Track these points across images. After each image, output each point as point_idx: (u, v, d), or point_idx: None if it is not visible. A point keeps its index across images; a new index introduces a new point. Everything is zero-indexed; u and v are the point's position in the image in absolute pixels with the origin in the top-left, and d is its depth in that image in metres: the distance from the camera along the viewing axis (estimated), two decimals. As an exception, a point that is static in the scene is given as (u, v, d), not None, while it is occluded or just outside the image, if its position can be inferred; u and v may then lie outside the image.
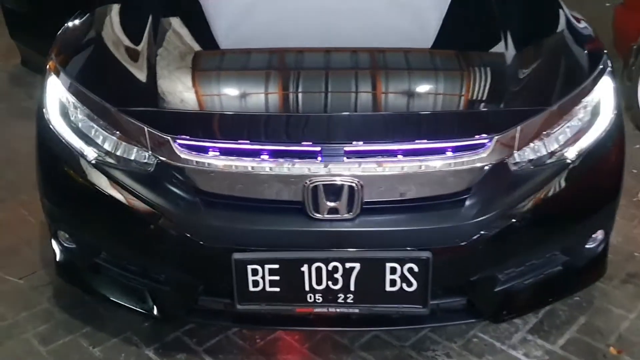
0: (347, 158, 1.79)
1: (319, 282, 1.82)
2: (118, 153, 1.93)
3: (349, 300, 1.84)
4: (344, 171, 1.77)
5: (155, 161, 1.87)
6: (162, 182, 1.88)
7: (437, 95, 1.98)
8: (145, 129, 1.85)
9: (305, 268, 1.80)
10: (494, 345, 2.20)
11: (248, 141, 1.81)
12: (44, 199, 2.09)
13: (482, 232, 1.82)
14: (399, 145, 1.80)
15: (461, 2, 2.39)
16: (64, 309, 2.35)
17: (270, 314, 1.92)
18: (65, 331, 2.26)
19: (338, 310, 1.86)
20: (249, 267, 1.80)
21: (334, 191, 1.78)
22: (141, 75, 2.00)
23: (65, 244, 2.10)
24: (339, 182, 1.77)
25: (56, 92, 2.06)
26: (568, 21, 2.30)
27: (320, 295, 1.83)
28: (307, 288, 1.83)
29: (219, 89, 2.06)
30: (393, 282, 1.82)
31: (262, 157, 1.80)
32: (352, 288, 1.82)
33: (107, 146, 1.94)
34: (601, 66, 2.10)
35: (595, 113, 2.02)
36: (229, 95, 2.03)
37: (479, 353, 2.17)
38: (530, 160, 1.91)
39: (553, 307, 2.32)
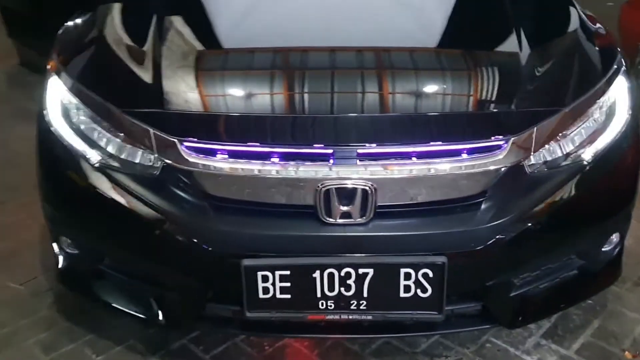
0: (360, 161, 1.74)
1: (331, 289, 1.77)
2: (122, 156, 1.88)
3: (361, 307, 1.79)
4: (357, 174, 1.72)
5: (161, 164, 1.82)
6: (169, 186, 1.82)
7: (451, 96, 1.93)
8: (151, 131, 1.80)
9: (317, 274, 1.75)
10: (508, 351, 2.16)
11: (258, 143, 1.75)
12: (45, 204, 2.03)
13: (498, 236, 1.77)
14: (413, 147, 1.75)
15: (473, 1, 2.33)
16: (65, 316, 2.29)
17: (280, 321, 1.86)
18: (68, 339, 2.20)
19: (350, 317, 1.81)
20: (259, 274, 1.75)
21: (346, 195, 1.73)
22: (146, 76, 1.95)
23: (67, 250, 2.04)
24: (352, 186, 1.72)
25: (57, 93, 2.00)
26: (581, 20, 2.25)
27: (332, 302, 1.78)
28: (318, 295, 1.77)
29: (227, 89, 1.99)
30: (407, 288, 1.77)
31: (272, 159, 1.74)
32: (365, 294, 1.77)
33: (110, 149, 1.89)
34: (616, 66, 2.06)
35: (610, 113, 1.98)
36: (238, 96, 1.97)
37: (492, 359, 2.12)
38: (546, 162, 1.86)
39: (566, 311, 2.27)
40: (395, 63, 2.06)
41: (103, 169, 1.88)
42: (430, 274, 1.75)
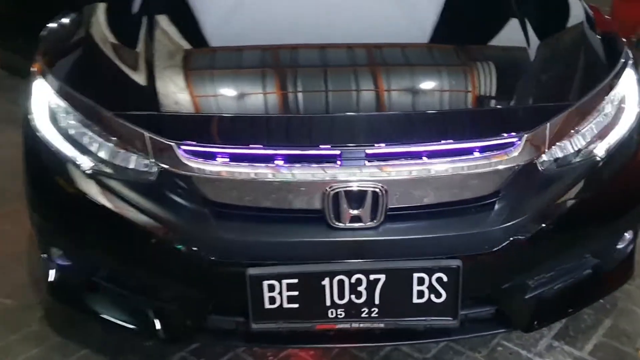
0: (369, 161, 1.65)
1: (341, 297, 1.68)
2: (115, 161, 1.77)
3: (373, 315, 1.71)
4: (366, 176, 1.64)
5: (158, 170, 1.72)
6: (166, 192, 1.73)
7: (462, 93, 1.84)
8: (147, 135, 1.70)
9: (326, 282, 1.66)
10: (520, 354, 2.09)
11: (261, 145, 1.66)
12: (34, 213, 1.92)
13: (514, 237, 1.70)
14: (424, 146, 1.67)
15: None
16: (57, 330, 2.18)
17: (287, 331, 1.77)
18: (60, 355, 2.09)
19: (361, 325, 1.72)
20: (265, 283, 1.66)
21: (356, 198, 1.64)
22: (140, 78, 1.84)
23: (58, 261, 1.93)
24: (362, 188, 1.63)
25: (44, 96, 1.89)
26: (587, 13, 2.19)
27: (342, 310, 1.70)
28: (328, 303, 1.69)
29: (227, 89, 1.88)
30: (421, 294, 1.69)
31: (276, 162, 1.65)
32: (376, 301, 1.69)
33: (103, 154, 1.78)
34: (623, 59, 2.01)
35: (620, 107, 1.92)
36: (238, 96, 1.86)
37: (505, 363, 2.06)
38: (559, 159, 1.80)
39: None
40: (403, 59, 1.97)
41: (95, 175, 1.77)
42: (445, 279, 1.67)
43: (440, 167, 1.66)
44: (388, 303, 1.69)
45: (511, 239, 1.69)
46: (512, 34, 2.03)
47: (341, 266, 1.66)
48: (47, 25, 2.22)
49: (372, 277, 1.66)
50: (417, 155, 1.66)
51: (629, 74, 1.99)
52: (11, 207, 2.71)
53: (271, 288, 1.66)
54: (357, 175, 1.64)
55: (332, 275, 1.66)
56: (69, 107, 1.83)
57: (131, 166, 1.76)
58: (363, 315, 1.71)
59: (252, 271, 1.65)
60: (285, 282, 1.66)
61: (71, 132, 1.83)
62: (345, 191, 1.63)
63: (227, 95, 1.87)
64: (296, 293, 1.67)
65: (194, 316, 1.80)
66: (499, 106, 1.84)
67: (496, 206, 1.72)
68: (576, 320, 2.20)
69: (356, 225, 1.66)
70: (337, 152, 1.64)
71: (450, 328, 1.76)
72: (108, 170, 1.77)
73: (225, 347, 2.08)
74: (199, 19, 2.10)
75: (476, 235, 1.68)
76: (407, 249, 1.67)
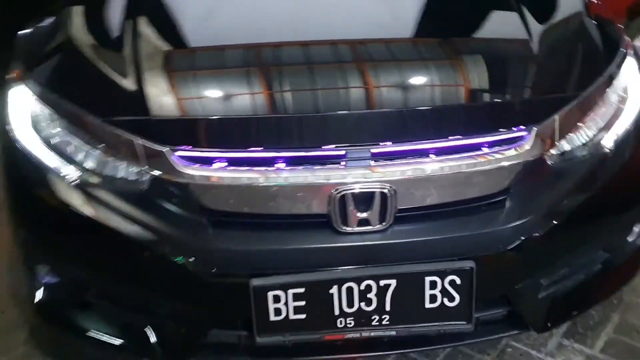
0: (375, 161, 1.57)
1: (350, 305, 1.60)
2: (104, 171, 1.67)
3: (384, 322, 1.63)
4: (373, 176, 1.56)
5: (150, 177, 1.62)
6: (159, 201, 1.63)
7: (467, 87, 1.76)
8: (138, 141, 1.60)
9: (334, 290, 1.58)
10: (530, 354, 2.03)
11: (260, 148, 1.57)
12: (17, 229, 1.80)
13: (527, 235, 1.63)
14: (432, 143, 1.59)
15: None
16: (44, 352, 2.06)
17: (293, 344, 1.68)
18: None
19: (372, 334, 1.64)
20: (270, 294, 1.57)
21: (363, 200, 1.56)
22: (128, 81, 1.73)
23: (45, 279, 1.81)
24: (370, 189, 1.55)
25: (25, 104, 1.78)
26: (584, 2, 2.14)
27: (352, 318, 1.62)
28: (337, 312, 1.61)
29: (221, 90, 1.77)
30: (433, 298, 1.61)
31: (277, 165, 1.57)
32: (387, 308, 1.61)
33: (90, 163, 1.68)
34: (622, 47, 1.96)
35: (624, 97, 1.87)
36: (234, 97, 1.75)
37: (516, 364, 2.00)
38: (568, 152, 1.74)
39: (585, 308, 2.16)
40: (407, 54, 1.89)
41: (83, 186, 1.67)
42: (458, 281, 1.60)
43: (449, 164, 1.59)
44: (399, 309, 1.62)
45: (525, 236, 1.63)
46: (512, 26, 1.96)
47: (350, 273, 1.58)
48: (20, 31, 2.10)
49: (382, 282, 1.58)
50: (425, 153, 1.59)
51: (630, 62, 1.94)
52: None
53: (276, 299, 1.58)
54: (364, 176, 1.56)
55: (340, 282, 1.58)
56: (53, 114, 1.72)
57: (121, 175, 1.66)
58: (373, 323, 1.63)
59: (255, 282, 1.56)
60: (291, 292, 1.57)
61: (55, 140, 1.72)
62: (352, 194, 1.55)
63: (222, 96, 1.76)
64: (303, 303, 1.59)
65: (194, 332, 1.70)
66: (507, 99, 1.77)
67: (507, 203, 1.65)
68: (584, 317, 2.14)
69: (364, 228, 1.58)
70: (342, 152, 1.57)
71: (464, 332, 1.69)
72: (96, 180, 1.67)
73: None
74: (185, 19, 1.98)
75: (489, 234, 1.62)
76: (418, 252, 1.60)
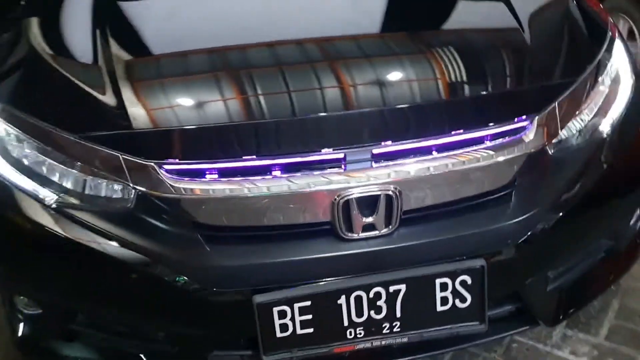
0: (376, 162, 1.50)
1: (359, 314, 1.52)
2: (84, 190, 1.55)
3: (395, 329, 1.56)
4: (376, 178, 1.48)
5: (135, 194, 1.51)
6: (148, 219, 1.52)
7: (464, 79, 1.69)
8: (121, 156, 1.49)
9: (342, 300, 1.50)
10: (537, 348, 1.99)
11: (254, 156, 1.48)
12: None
13: (535, 227, 1.58)
14: (433, 139, 1.52)
15: None
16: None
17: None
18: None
19: (383, 342, 1.57)
20: (275, 310, 1.48)
21: (368, 204, 1.48)
22: (104, 94, 1.60)
23: (25, 311, 1.69)
24: (373, 193, 1.47)
25: None
26: None
27: (361, 328, 1.54)
28: (345, 323, 1.53)
29: (207, 97, 1.64)
30: (445, 300, 1.55)
31: (273, 173, 1.48)
32: (398, 314, 1.54)
33: (68, 184, 1.56)
34: (610, 31, 1.93)
35: (616, 80, 1.84)
36: (221, 103, 1.63)
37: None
38: (568, 140, 1.69)
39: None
40: (402, 48, 1.80)
41: (62, 209, 1.54)
42: (469, 281, 1.54)
43: (453, 160, 1.53)
44: (410, 315, 1.55)
45: (534, 229, 1.58)
46: (500, 15, 1.89)
47: (357, 281, 1.50)
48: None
49: (391, 288, 1.51)
50: (427, 150, 1.52)
51: (618, 45, 1.91)
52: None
53: (282, 314, 1.49)
54: (366, 178, 1.48)
55: (348, 292, 1.50)
56: (22, 134, 1.59)
57: (103, 194, 1.55)
58: (384, 331, 1.55)
59: (259, 299, 1.47)
60: (297, 306, 1.49)
61: (26, 162, 1.59)
62: (356, 198, 1.47)
63: (209, 103, 1.64)
64: (310, 316, 1.50)
65: (194, 355, 1.60)
66: (505, 90, 1.71)
67: (513, 197, 1.59)
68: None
69: (370, 234, 1.50)
70: (341, 155, 1.48)
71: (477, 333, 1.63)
72: (76, 201, 1.55)
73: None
74: (161, 26, 1.86)
75: (498, 229, 1.56)
76: (427, 254, 1.53)
